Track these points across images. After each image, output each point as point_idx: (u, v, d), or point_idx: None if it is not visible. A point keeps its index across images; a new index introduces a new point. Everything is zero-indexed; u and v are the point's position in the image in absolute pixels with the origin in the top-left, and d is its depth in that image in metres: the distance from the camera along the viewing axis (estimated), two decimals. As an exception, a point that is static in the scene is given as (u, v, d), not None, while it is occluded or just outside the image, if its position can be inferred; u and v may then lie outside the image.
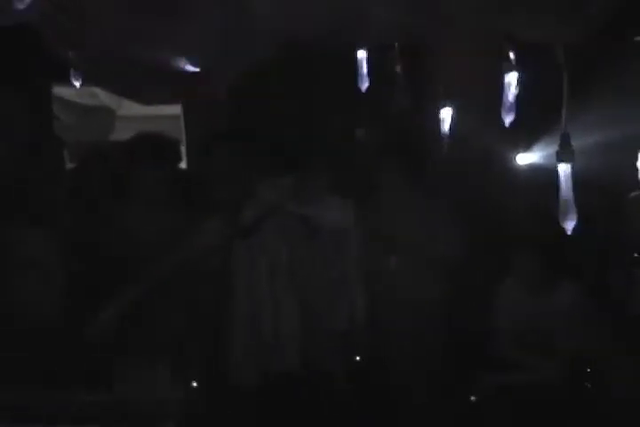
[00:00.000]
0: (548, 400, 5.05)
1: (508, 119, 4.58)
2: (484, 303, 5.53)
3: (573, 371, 5.11)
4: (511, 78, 4.55)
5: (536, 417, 5.00)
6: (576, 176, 3.68)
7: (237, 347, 4.73)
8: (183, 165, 5.98)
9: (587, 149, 4.15)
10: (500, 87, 4.55)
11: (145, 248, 4.83)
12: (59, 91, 8.19)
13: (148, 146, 4.91)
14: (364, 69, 5.29)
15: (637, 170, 5.12)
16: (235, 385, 4.73)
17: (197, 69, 4.41)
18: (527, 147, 6.10)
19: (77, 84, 4.98)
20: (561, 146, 3.70)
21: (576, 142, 3.72)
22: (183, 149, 6.96)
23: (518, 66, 4.53)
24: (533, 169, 6.02)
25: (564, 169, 3.69)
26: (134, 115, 8.36)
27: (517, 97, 4.53)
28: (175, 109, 7.95)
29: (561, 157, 3.68)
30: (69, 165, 6.22)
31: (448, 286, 5.57)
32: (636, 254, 5.49)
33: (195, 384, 4.71)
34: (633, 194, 5.40)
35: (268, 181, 4.74)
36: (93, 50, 4.63)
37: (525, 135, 6.00)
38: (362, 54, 5.29)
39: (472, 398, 5.24)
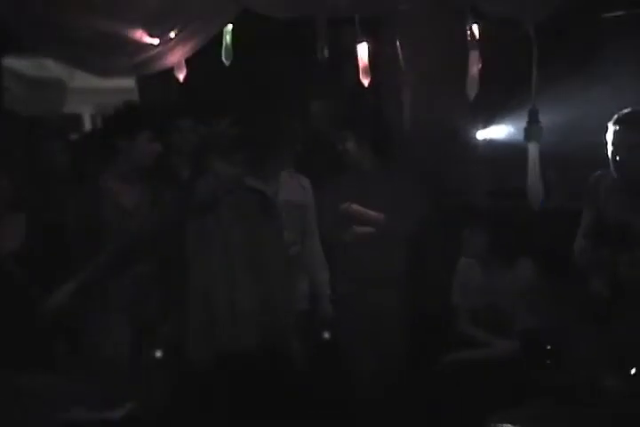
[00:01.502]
0: (506, 378, 5.00)
1: (472, 93, 4.51)
2: (444, 279, 5.50)
3: (533, 348, 5.08)
4: (474, 55, 4.47)
5: (495, 394, 4.97)
6: (542, 152, 3.62)
7: (193, 326, 4.61)
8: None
9: (554, 125, 4.10)
10: (464, 61, 4.48)
11: (101, 223, 4.72)
12: (7, 62, 8.01)
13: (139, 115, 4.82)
14: (323, 41, 5.17)
15: (605, 144, 5.07)
16: (191, 365, 4.61)
17: (156, 41, 4.28)
18: (491, 122, 6.06)
19: (26, 54, 4.83)
20: (529, 122, 3.63)
21: (543, 118, 3.66)
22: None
23: (483, 40, 4.46)
24: (497, 144, 5.98)
25: (531, 146, 3.62)
26: (87, 87, 8.21)
27: (481, 71, 4.46)
28: (129, 82, 7.80)
29: (529, 134, 3.61)
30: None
31: (407, 263, 5.50)
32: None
33: (158, 355, 4.60)
34: (597, 173, 5.35)
35: (225, 155, 4.61)
36: (43, 18, 4.48)
37: (489, 110, 5.95)
38: (321, 25, 5.18)
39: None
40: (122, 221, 4.70)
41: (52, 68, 8.35)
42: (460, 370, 5.12)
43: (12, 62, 8.04)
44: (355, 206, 5.40)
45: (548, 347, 4.98)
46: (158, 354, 4.60)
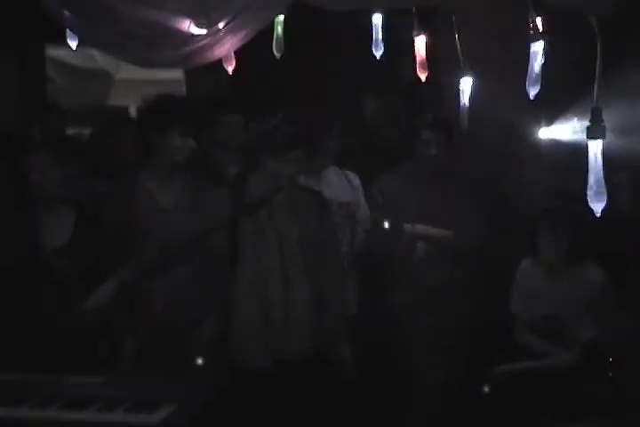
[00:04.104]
0: (565, 390, 5.03)
1: (533, 91, 4.50)
2: (503, 287, 5.52)
3: (595, 359, 5.07)
4: (537, 47, 4.46)
5: (552, 407, 4.98)
6: (606, 153, 3.60)
7: (244, 328, 4.66)
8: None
9: (619, 124, 4.07)
10: (525, 57, 4.47)
11: (147, 223, 4.81)
12: (53, 52, 8.12)
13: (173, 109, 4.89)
14: (379, 35, 5.19)
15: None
16: (240, 368, 4.67)
17: (203, 32, 4.32)
18: (553, 121, 6.02)
19: (73, 45, 4.89)
20: (592, 121, 3.62)
21: (607, 117, 3.63)
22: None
23: (545, 34, 4.44)
24: (558, 145, 5.94)
25: (594, 146, 3.60)
26: (133, 79, 8.29)
27: (544, 67, 4.45)
28: (177, 73, 7.87)
29: (592, 134, 3.60)
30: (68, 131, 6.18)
31: (466, 270, 5.56)
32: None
33: (199, 362, 4.66)
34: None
35: (277, 153, 4.65)
36: (87, 7, 4.54)
37: (552, 108, 5.92)
38: (377, 19, 5.19)
39: (485, 388, 5.21)
40: (161, 221, 4.77)
41: (98, 58, 8.46)
42: (516, 381, 5.12)
43: (58, 52, 8.15)
44: (419, 226, 5.46)
45: (610, 359, 4.98)
46: (200, 361, 4.67)
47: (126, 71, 8.43)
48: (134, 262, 4.67)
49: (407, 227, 5.48)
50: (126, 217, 4.76)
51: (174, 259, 4.75)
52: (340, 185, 5.53)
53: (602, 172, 3.56)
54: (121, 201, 4.83)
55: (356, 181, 5.61)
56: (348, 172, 5.62)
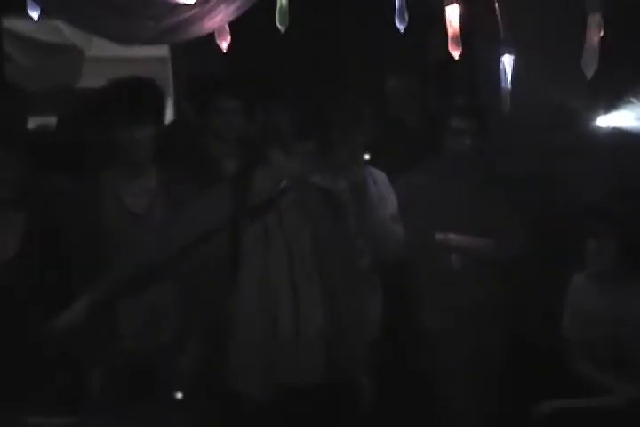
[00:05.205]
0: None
1: (589, 70, 4.39)
2: (552, 304, 5.41)
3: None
4: (594, 18, 4.35)
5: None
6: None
7: (245, 354, 4.48)
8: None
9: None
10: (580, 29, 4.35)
11: (127, 229, 4.70)
12: (12, 24, 8.03)
13: (123, 95, 4.79)
14: (404, 3, 4.99)
15: None
16: (237, 399, 4.50)
17: (191, 0, 4.25)
18: (613, 106, 5.95)
19: (35, 16, 4.79)
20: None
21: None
22: (170, 100, 6.86)
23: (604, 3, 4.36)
24: (620, 134, 5.85)
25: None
26: (109, 56, 8.23)
27: (603, 41, 4.36)
28: (161, 50, 7.79)
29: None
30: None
31: (509, 285, 5.48)
32: None
33: (179, 396, 4.59)
34: None
35: (284, 145, 4.48)
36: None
37: (612, 90, 5.83)
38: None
39: None
40: (130, 227, 4.69)
41: (65, 32, 8.38)
42: (569, 422, 4.99)
43: (17, 25, 8.07)
44: (453, 236, 5.44)
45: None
46: (179, 395, 4.62)
47: (100, 47, 8.37)
48: (105, 278, 4.52)
49: (439, 236, 5.44)
50: (90, 222, 4.71)
51: (152, 273, 4.60)
52: (364, 184, 5.35)
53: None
54: (82, 203, 4.77)
55: (382, 179, 5.48)
56: (372, 168, 5.49)
